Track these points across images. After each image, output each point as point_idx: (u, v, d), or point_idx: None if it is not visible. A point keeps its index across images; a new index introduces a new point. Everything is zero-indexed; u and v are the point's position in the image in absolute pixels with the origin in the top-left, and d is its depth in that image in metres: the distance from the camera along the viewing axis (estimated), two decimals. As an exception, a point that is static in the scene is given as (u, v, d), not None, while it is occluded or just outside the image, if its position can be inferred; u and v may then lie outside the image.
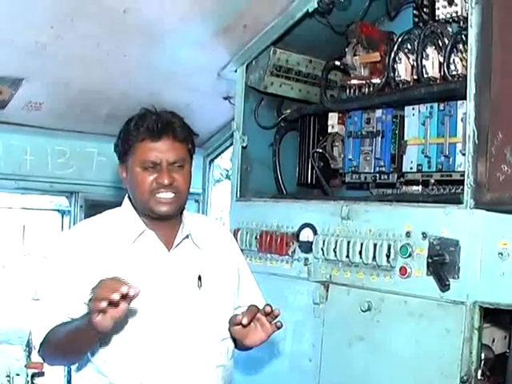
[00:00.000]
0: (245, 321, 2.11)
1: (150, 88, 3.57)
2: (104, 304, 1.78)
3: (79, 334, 1.99)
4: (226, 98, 4.04)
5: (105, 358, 2.15)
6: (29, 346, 2.58)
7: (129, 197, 2.32)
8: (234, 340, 2.34)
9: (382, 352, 2.75)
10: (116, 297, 1.77)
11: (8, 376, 2.39)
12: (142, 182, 2.18)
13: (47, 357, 2.20)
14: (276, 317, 2.17)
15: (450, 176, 2.92)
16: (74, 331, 2.01)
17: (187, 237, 2.30)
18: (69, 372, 4.15)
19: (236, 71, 3.67)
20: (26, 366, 2.46)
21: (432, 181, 3.01)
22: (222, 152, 4.66)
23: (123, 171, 2.27)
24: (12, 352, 2.47)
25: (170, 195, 2.19)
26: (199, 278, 2.27)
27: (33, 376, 2.55)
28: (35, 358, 2.70)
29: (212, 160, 4.73)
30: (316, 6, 3.16)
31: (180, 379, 2.17)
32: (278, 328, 2.20)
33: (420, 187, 3.18)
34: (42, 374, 3.26)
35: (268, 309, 2.13)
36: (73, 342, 2.04)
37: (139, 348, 2.14)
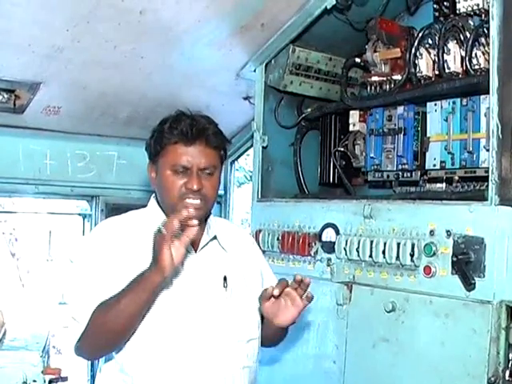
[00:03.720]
0: (276, 292, 2.10)
1: (169, 90, 3.55)
2: (176, 224, 1.89)
3: (136, 290, 2.00)
4: (245, 98, 4.00)
5: (129, 357, 2.14)
6: (46, 351, 2.58)
7: (155, 197, 2.34)
8: (262, 338, 2.36)
9: (407, 353, 2.69)
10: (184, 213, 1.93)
11: (25, 382, 2.39)
12: (171, 186, 2.19)
13: (92, 340, 2.13)
14: (306, 287, 2.13)
15: (474, 172, 2.85)
16: (128, 292, 2.02)
17: (213, 239, 2.31)
18: (92, 376, 4.16)
19: (255, 71, 3.63)
20: (42, 372, 2.45)
21: (456, 178, 2.95)
22: (244, 153, 4.62)
23: (152, 171, 2.28)
24: (29, 358, 2.47)
25: (197, 201, 2.18)
26: (225, 278, 2.27)
27: (50, 382, 2.54)
28: (54, 363, 2.71)
29: (233, 161, 4.69)
30: (334, 2, 3.11)
31: (206, 380, 2.16)
32: (309, 300, 2.16)
33: (444, 185, 3.11)
34: (65, 378, 3.26)
35: (298, 277, 2.12)
36: (129, 304, 2.02)
37: (164, 348, 2.13)
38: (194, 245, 2.24)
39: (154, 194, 2.35)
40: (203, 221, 2.29)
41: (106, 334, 2.09)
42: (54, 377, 2.54)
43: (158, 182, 2.25)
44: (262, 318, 2.32)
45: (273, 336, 2.42)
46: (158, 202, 2.31)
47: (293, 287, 2.15)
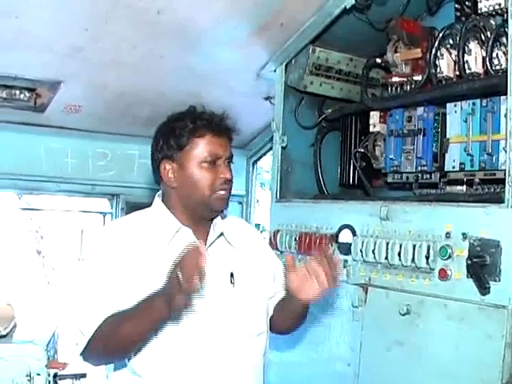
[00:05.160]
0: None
1: (189, 90, 3.54)
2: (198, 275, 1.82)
3: (142, 319, 2.00)
4: (266, 99, 3.99)
5: (138, 356, 2.14)
6: (53, 345, 2.60)
7: (159, 196, 2.33)
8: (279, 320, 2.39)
9: (421, 357, 2.65)
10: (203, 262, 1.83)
11: (28, 376, 2.42)
12: (202, 179, 2.20)
13: (97, 353, 2.16)
14: (334, 266, 2.14)
15: (494, 175, 2.79)
16: (134, 318, 2.02)
17: (220, 235, 2.30)
18: (110, 373, 4.18)
19: (275, 71, 3.62)
20: (46, 366, 2.47)
21: (476, 180, 2.90)
22: (266, 153, 4.61)
23: (170, 170, 2.25)
24: (33, 352, 2.49)
25: (226, 192, 2.22)
26: (231, 274, 2.26)
27: (55, 376, 2.57)
28: (62, 357, 2.72)
29: (255, 161, 4.69)
30: (353, 1, 3.08)
31: (217, 377, 2.16)
32: (336, 282, 2.17)
33: (464, 187, 3.06)
34: (83, 375, 3.28)
35: (329, 252, 2.18)
36: (133, 330, 2.04)
37: (173, 346, 2.13)
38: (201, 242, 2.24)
39: (158, 193, 2.35)
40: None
41: (110, 351, 2.13)
42: (58, 371, 2.56)
43: (182, 178, 2.23)
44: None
45: (290, 316, 2.39)
46: (163, 200, 2.31)
47: (321, 262, 2.14)
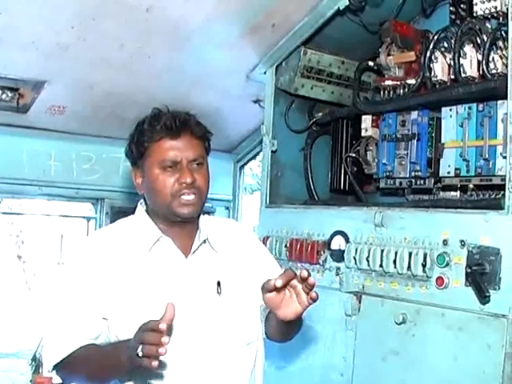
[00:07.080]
0: (278, 283, 1.85)
1: (177, 91, 3.48)
2: (162, 350, 1.69)
3: (112, 362, 1.92)
4: (255, 102, 3.93)
5: None
6: (36, 360, 2.49)
7: (142, 204, 2.24)
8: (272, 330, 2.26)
9: (418, 368, 2.59)
10: (166, 340, 1.69)
11: (12, 390, 2.32)
12: (163, 185, 2.09)
13: (67, 376, 2.09)
14: (311, 287, 1.90)
15: (490, 180, 2.74)
16: (106, 361, 1.95)
17: (204, 242, 2.20)
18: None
19: (265, 73, 3.56)
20: (31, 381, 2.36)
21: (471, 186, 2.85)
22: (254, 157, 4.55)
23: (137, 177, 2.18)
24: (17, 366, 2.39)
25: (192, 196, 2.10)
26: (218, 283, 2.16)
27: (39, 391, 2.46)
28: (45, 372, 2.61)
29: (243, 166, 4.62)
30: (347, 3, 3.04)
31: None
32: (313, 300, 1.92)
33: (458, 193, 3.00)
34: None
35: (304, 273, 1.86)
36: (104, 371, 1.97)
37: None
38: (184, 250, 2.16)
39: (140, 201, 2.26)
40: (195, 220, 2.21)
41: (84, 379, 2.06)
42: (43, 386, 2.46)
43: (147, 185, 2.15)
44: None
45: (282, 328, 2.22)
46: (146, 209, 2.23)
47: (299, 280, 1.91)
